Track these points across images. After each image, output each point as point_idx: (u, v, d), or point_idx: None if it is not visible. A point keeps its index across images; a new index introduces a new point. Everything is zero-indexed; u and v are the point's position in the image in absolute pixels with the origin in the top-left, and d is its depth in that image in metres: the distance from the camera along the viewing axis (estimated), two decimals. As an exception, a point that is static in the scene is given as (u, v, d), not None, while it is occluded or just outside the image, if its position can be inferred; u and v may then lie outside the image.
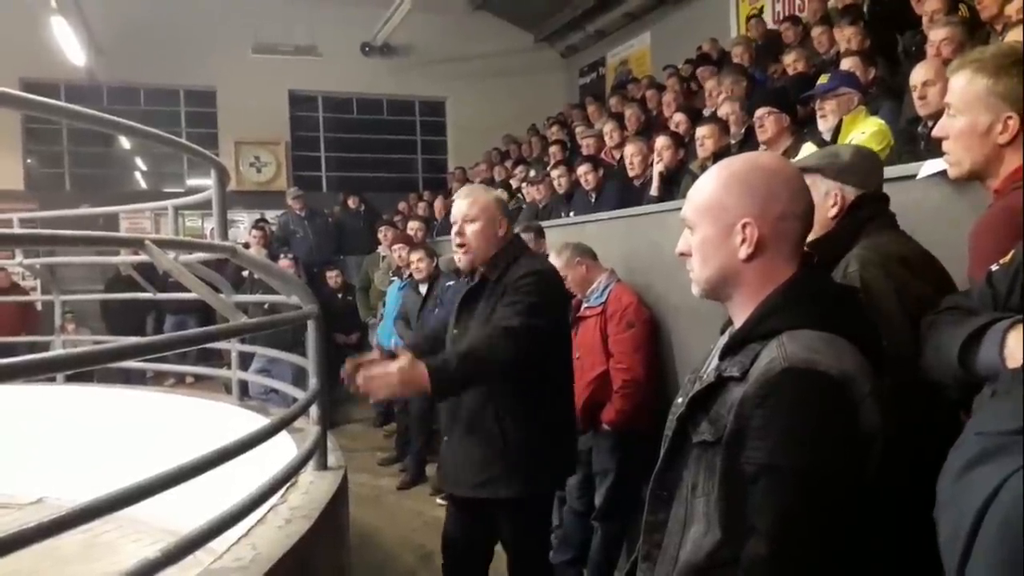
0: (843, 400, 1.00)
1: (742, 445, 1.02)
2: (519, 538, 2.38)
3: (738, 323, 1.16)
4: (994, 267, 1.19)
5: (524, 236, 3.67)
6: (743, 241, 1.12)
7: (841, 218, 1.64)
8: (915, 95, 2.75)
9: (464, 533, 2.46)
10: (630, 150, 4.69)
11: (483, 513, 2.36)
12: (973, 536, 0.59)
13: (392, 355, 2.12)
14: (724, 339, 1.20)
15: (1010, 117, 1.31)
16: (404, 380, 1.96)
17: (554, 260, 3.36)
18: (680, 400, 1.19)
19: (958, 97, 1.37)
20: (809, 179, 1.62)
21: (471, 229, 2.25)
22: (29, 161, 9.64)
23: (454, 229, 2.29)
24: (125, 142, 9.92)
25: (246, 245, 6.84)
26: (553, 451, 2.35)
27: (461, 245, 2.27)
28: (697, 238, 1.17)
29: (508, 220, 2.32)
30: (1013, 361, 0.98)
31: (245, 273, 5.62)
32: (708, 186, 1.17)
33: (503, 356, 2.08)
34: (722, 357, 1.14)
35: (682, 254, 1.20)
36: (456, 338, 2.31)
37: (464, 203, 2.28)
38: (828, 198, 1.64)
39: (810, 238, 1.62)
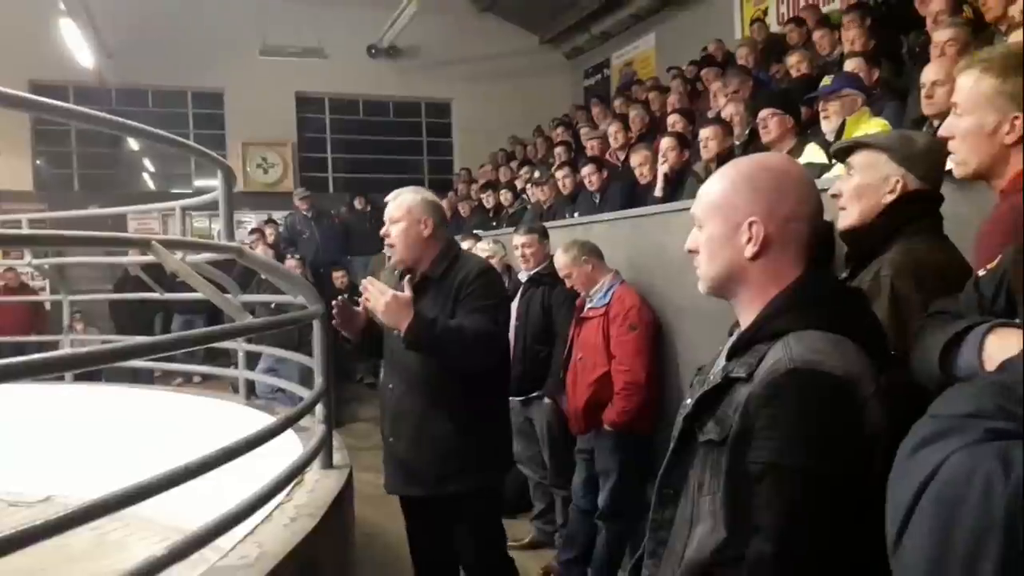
0: (848, 401, 1.01)
1: (747, 445, 1.03)
2: (479, 529, 2.45)
3: (743, 322, 1.17)
4: (981, 272, 1.19)
5: (526, 238, 3.71)
6: (749, 240, 1.13)
7: (886, 210, 1.51)
8: (923, 93, 2.73)
9: (429, 535, 2.50)
10: (636, 159, 4.67)
11: (440, 512, 2.41)
12: (912, 510, 0.62)
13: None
14: (732, 340, 1.20)
15: (1017, 117, 1.30)
16: (390, 308, 2.12)
17: (560, 257, 3.36)
18: (688, 400, 1.20)
19: (965, 97, 1.36)
20: (872, 157, 1.55)
21: (395, 229, 2.38)
22: (38, 162, 9.69)
23: (383, 229, 2.42)
24: (133, 143, 9.96)
25: (252, 245, 6.87)
26: (500, 443, 2.51)
27: (390, 245, 2.41)
28: (705, 235, 1.19)
29: (435, 221, 2.39)
30: (992, 364, 0.98)
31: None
32: (717, 185, 1.19)
33: (477, 356, 2.27)
34: (729, 358, 1.15)
35: (691, 251, 1.22)
36: (399, 339, 2.36)
37: (392, 205, 2.42)
38: (887, 183, 1.52)
39: (855, 223, 1.56)
